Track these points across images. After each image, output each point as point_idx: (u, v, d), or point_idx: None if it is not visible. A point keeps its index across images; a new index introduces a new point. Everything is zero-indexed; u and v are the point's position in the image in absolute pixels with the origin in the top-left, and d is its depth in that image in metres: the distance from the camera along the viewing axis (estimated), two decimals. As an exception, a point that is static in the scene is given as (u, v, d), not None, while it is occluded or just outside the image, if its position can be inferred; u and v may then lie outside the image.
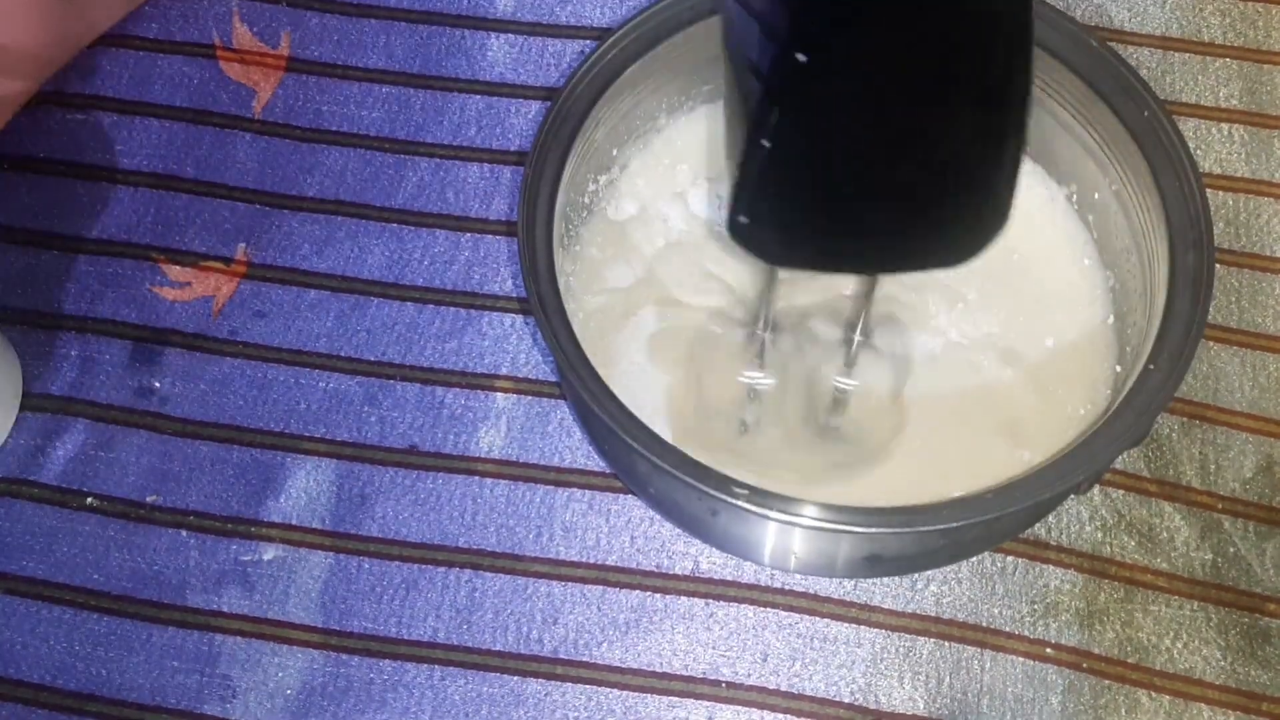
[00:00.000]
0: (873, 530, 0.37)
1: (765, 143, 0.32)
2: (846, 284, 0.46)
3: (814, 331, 0.44)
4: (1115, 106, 0.43)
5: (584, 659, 0.43)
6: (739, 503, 0.37)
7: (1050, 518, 0.45)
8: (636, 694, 0.42)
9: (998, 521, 0.41)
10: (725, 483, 0.37)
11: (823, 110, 0.31)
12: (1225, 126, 0.52)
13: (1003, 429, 0.44)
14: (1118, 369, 0.45)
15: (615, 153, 0.48)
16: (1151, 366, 0.39)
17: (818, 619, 0.43)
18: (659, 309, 0.47)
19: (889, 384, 0.45)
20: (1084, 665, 0.43)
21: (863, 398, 0.44)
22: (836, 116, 0.31)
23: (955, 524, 0.37)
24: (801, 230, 0.34)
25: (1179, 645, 0.43)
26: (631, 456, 0.42)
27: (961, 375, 0.45)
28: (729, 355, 0.45)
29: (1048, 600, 0.43)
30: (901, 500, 0.38)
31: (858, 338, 0.44)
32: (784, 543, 0.43)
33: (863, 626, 0.43)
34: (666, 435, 0.39)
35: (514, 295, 0.49)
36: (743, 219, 0.34)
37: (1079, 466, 0.38)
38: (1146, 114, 0.43)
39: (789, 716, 0.42)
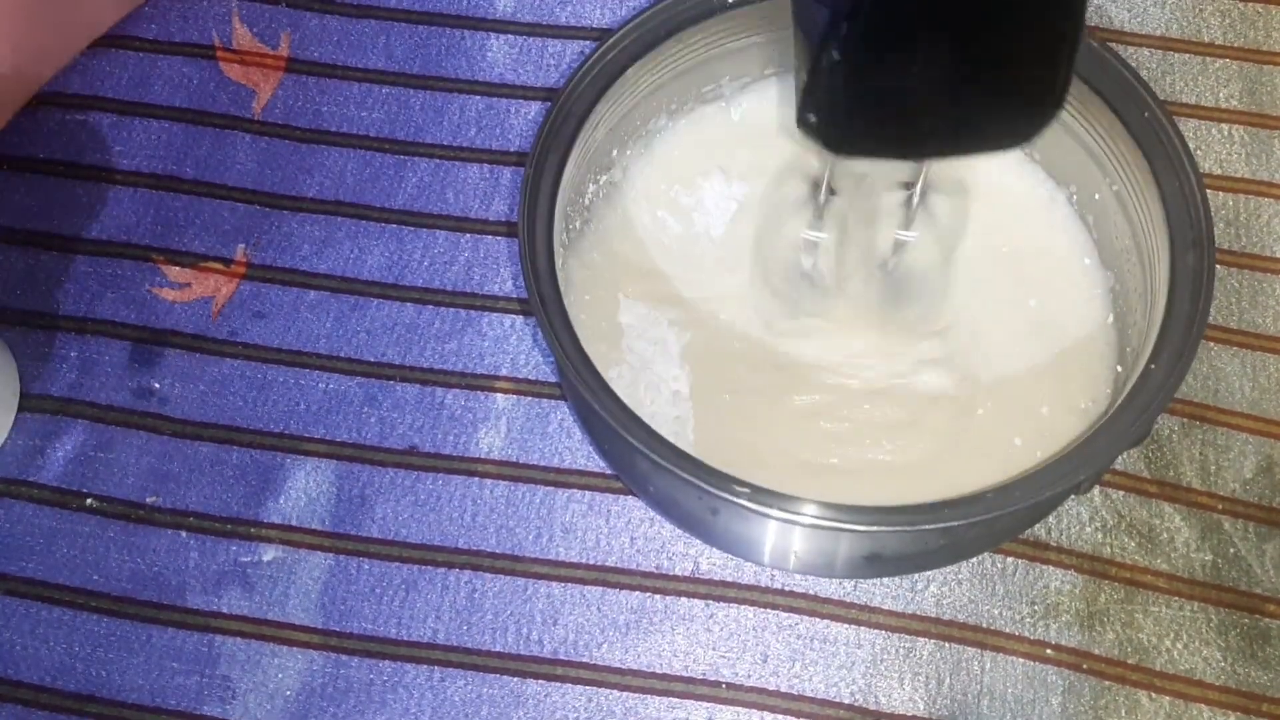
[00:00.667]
0: (872, 529, 0.37)
1: (835, 54, 0.34)
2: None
3: (872, 192, 0.46)
4: (1115, 107, 0.43)
5: (584, 660, 0.43)
6: (739, 501, 0.37)
7: (1050, 518, 0.45)
8: (636, 695, 0.42)
9: (997, 521, 0.41)
10: (725, 481, 0.37)
11: (888, 20, 0.33)
12: (1225, 127, 0.52)
13: (1002, 428, 0.44)
14: (1118, 369, 0.45)
15: (615, 153, 0.48)
16: (1152, 366, 0.39)
17: (818, 620, 0.43)
18: (660, 309, 0.47)
19: (943, 242, 0.46)
20: (1084, 666, 0.42)
21: (916, 264, 0.46)
22: (900, 22, 0.34)
23: (954, 523, 0.37)
24: (866, 124, 0.37)
25: (1179, 646, 0.43)
26: (631, 455, 0.42)
27: (961, 375, 0.45)
28: (790, 214, 0.46)
29: (1048, 601, 0.43)
30: (899, 500, 0.38)
31: (916, 197, 0.45)
32: (784, 542, 0.43)
33: (863, 627, 0.43)
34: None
35: (514, 296, 0.49)
36: (811, 116, 0.36)
37: (1079, 466, 0.38)
38: (1146, 115, 0.43)
39: (789, 717, 0.42)
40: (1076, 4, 0.34)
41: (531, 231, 0.41)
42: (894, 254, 0.46)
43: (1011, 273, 0.47)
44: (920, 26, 0.34)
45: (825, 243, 0.46)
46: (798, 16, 0.36)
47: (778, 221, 0.47)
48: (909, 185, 0.45)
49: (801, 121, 0.37)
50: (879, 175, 0.46)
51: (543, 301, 0.40)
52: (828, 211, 0.46)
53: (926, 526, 0.37)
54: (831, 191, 0.45)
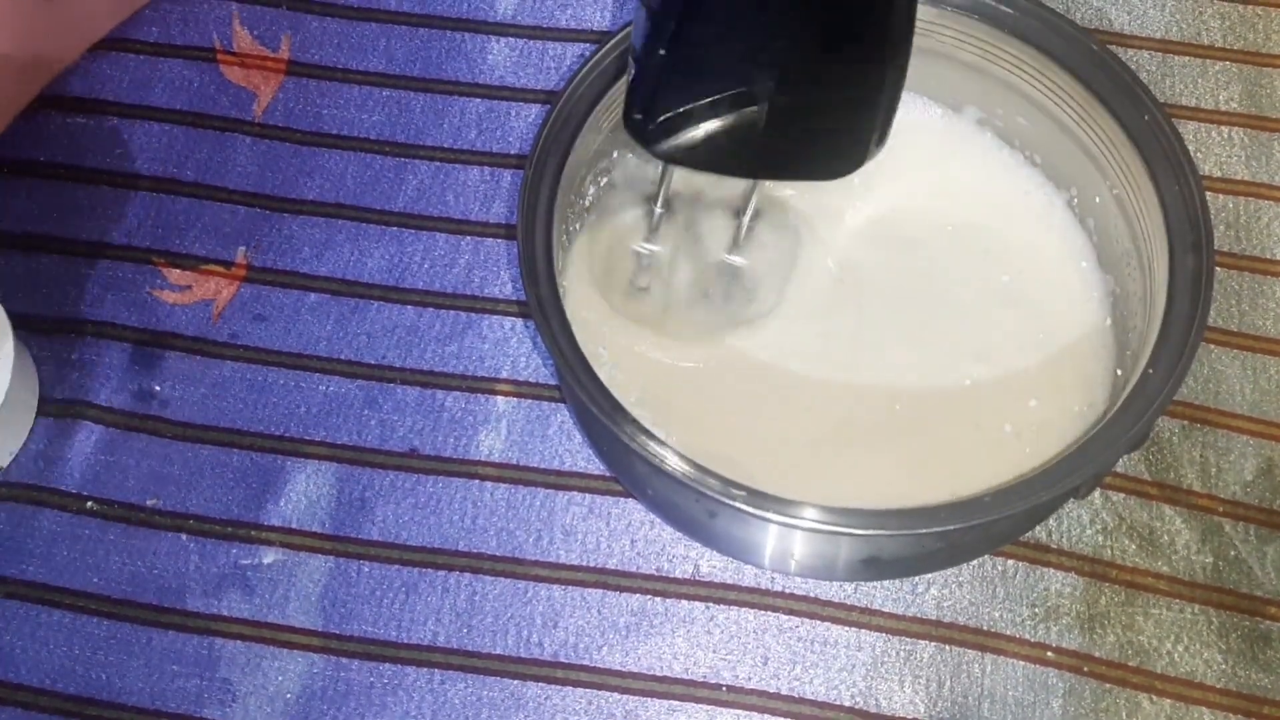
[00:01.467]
0: (869, 532, 0.37)
1: (661, 51, 0.35)
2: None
3: (706, 211, 0.47)
4: (1115, 110, 0.44)
5: (584, 663, 0.43)
6: (736, 504, 0.37)
7: (1051, 521, 0.45)
8: (637, 698, 0.42)
9: (996, 524, 0.41)
10: (723, 485, 0.37)
11: (714, 26, 0.34)
12: (1225, 129, 0.52)
13: (1001, 432, 0.44)
14: (1118, 372, 0.45)
15: (615, 155, 0.48)
16: (1151, 370, 0.39)
17: (818, 622, 0.43)
18: (659, 308, 0.47)
19: (773, 266, 0.46)
20: (1085, 669, 0.42)
21: (750, 272, 0.47)
22: (726, 31, 0.34)
23: (952, 526, 0.37)
24: (686, 131, 0.38)
25: (1180, 649, 0.43)
26: (630, 458, 0.42)
27: (961, 378, 0.45)
28: (626, 227, 0.47)
29: (1049, 604, 0.43)
30: (898, 502, 0.38)
31: (745, 220, 0.45)
32: (783, 545, 0.43)
33: (863, 630, 0.43)
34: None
35: (514, 298, 0.49)
36: (636, 115, 0.37)
37: (1077, 470, 0.38)
38: (1147, 118, 0.43)
39: (789, 720, 0.42)
40: (898, 53, 0.35)
41: (530, 234, 0.41)
42: (723, 278, 0.46)
43: (1009, 276, 0.47)
44: (743, 31, 0.34)
45: (657, 256, 0.46)
46: (637, 14, 0.37)
47: (616, 235, 0.47)
48: (739, 211, 0.45)
49: (626, 118, 0.38)
50: (712, 195, 0.47)
51: (541, 304, 0.40)
52: (664, 227, 0.46)
53: (924, 530, 0.37)
54: (667, 207, 0.46)
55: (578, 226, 0.47)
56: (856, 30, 0.35)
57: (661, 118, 0.37)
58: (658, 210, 0.45)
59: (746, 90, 0.36)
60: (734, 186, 0.46)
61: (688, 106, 0.37)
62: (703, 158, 0.39)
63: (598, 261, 0.46)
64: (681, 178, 0.46)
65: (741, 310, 0.46)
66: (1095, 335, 0.46)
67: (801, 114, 0.37)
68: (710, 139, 0.38)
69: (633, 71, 0.37)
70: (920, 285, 0.47)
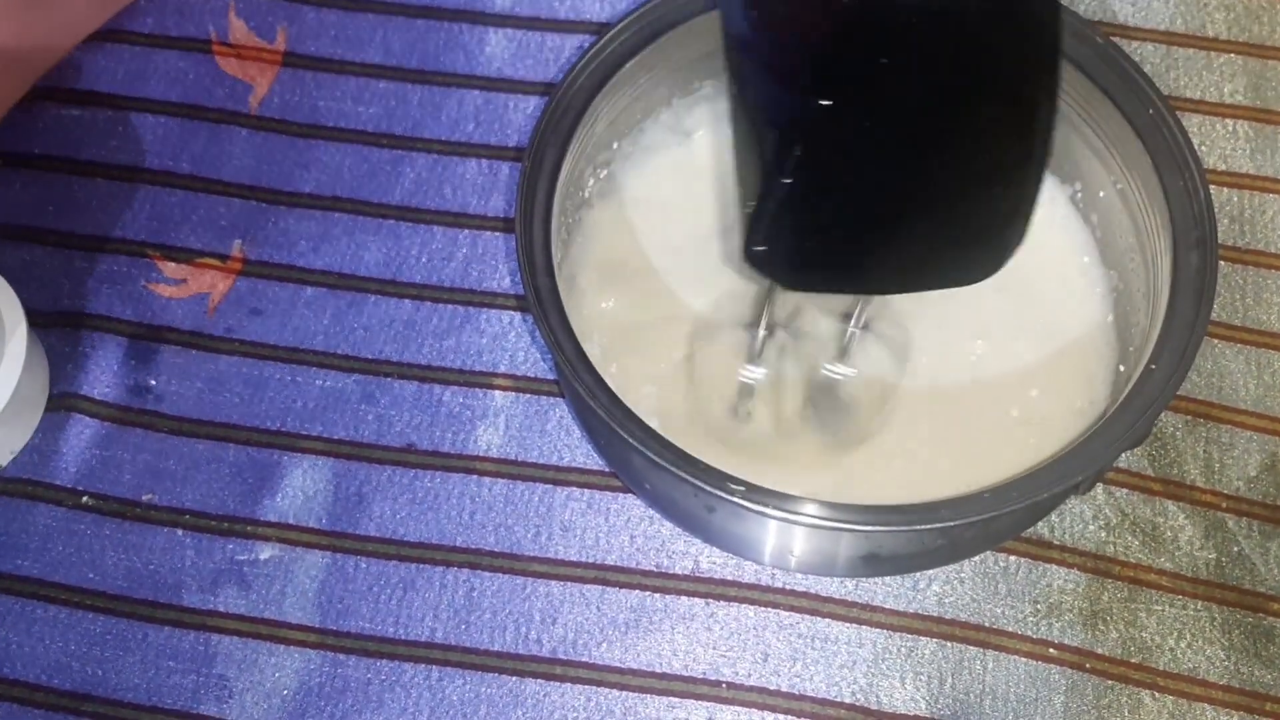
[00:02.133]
0: (868, 528, 0.37)
1: (784, 180, 0.32)
2: None
3: (807, 327, 0.45)
4: (1120, 104, 0.43)
5: (583, 659, 0.43)
6: (734, 499, 0.37)
7: (1054, 517, 0.44)
8: (636, 694, 0.42)
9: (996, 521, 0.41)
10: (720, 479, 0.37)
11: (841, 148, 0.31)
12: (1230, 122, 0.52)
13: (1002, 428, 0.44)
14: (1120, 369, 0.44)
15: (616, 146, 0.48)
16: (1153, 367, 0.39)
17: (819, 619, 0.43)
18: (658, 304, 0.46)
19: (884, 373, 0.44)
20: (1087, 665, 0.42)
21: (856, 386, 0.44)
22: (854, 153, 0.31)
23: (952, 523, 0.37)
24: (818, 256, 0.35)
25: (1183, 645, 0.43)
26: (628, 452, 0.42)
27: (962, 373, 0.45)
28: (727, 350, 0.45)
29: (1051, 600, 0.43)
30: (900, 498, 0.38)
31: (853, 329, 0.43)
32: (782, 541, 0.42)
33: (864, 626, 0.43)
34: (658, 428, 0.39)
35: (512, 292, 0.49)
36: (759, 248, 0.34)
37: (1077, 467, 0.38)
38: (1151, 112, 0.43)
39: (790, 717, 0.42)
40: (1040, 138, 0.32)
41: (529, 226, 0.41)
42: (825, 393, 0.44)
43: (1011, 271, 0.47)
44: (873, 151, 0.31)
45: (761, 382, 0.44)
46: (739, 133, 0.34)
47: (714, 359, 0.45)
48: (846, 317, 0.43)
49: (748, 254, 0.35)
50: (816, 307, 0.44)
51: (539, 296, 0.40)
52: (766, 347, 0.44)
53: (923, 526, 0.37)
54: (769, 330, 0.43)
55: (578, 219, 0.47)
56: (1001, 128, 0.32)
57: (789, 245, 0.34)
58: (761, 333, 0.43)
59: (876, 200, 0.33)
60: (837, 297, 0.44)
61: (815, 229, 0.34)
62: (836, 280, 0.36)
63: (695, 387, 0.44)
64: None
65: (846, 430, 0.43)
66: (1097, 331, 0.46)
67: (936, 217, 0.34)
68: (842, 258, 0.35)
69: (750, 200, 0.34)
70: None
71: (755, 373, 0.44)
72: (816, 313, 0.44)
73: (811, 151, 0.31)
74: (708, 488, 0.37)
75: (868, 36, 0.30)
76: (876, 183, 0.32)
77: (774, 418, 0.44)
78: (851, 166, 0.32)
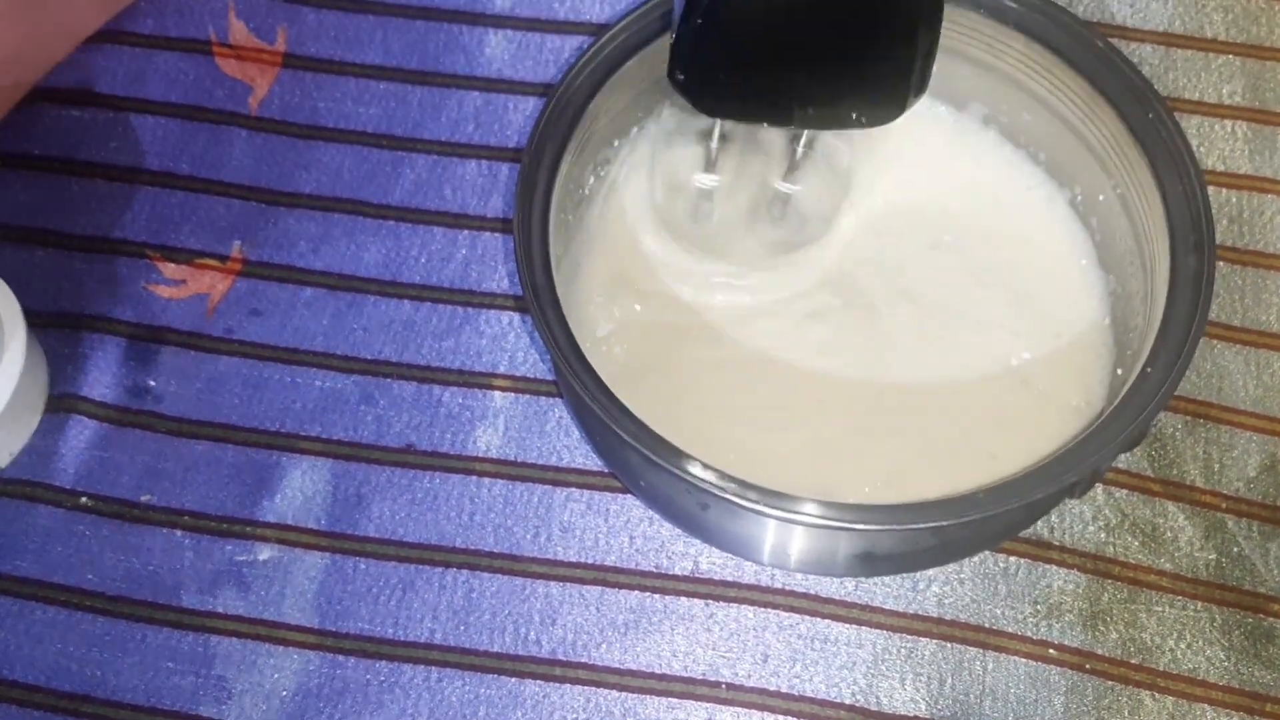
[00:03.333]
0: (859, 527, 0.37)
1: (701, 13, 0.37)
2: None
3: (760, 140, 0.48)
4: (1119, 107, 0.43)
5: (582, 660, 0.43)
6: (727, 496, 0.37)
7: (1053, 518, 0.44)
8: (635, 695, 0.42)
9: (992, 521, 0.41)
10: (714, 476, 0.37)
11: None
12: (1228, 123, 0.52)
13: (1000, 429, 0.44)
14: (1118, 371, 0.44)
15: (616, 144, 0.48)
16: (1149, 369, 0.39)
17: (818, 620, 0.43)
18: (658, 304, 0.46)
19: (828, 191, 0.48)
20: (1087, 666, 0.42)
21: (803, 202, 0.48)
22: None
23: (945, 523, 0.37)
24: (730, 85, 0.40)
25: (1183, 646, 0.43)
26: (625, 451, 0.42)
27: (960, 374, 0.45)
28: (686, 156, 0.48)
29: (1051, 601, 0.43)
30: (895, 497, 0.38)
31: (800, 148, 0.46)
32: (779, 540, 0.42)
33: (864, 627, 0.43)
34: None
35: (511, 293, 0.49)
36: (679, 74, 0.39)
37: (1073, 468, 0.38)
38: (1151, 115, 0.43)
39: (789, 718, 0.42)
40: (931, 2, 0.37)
41: (527, 226, 0.41)
42: (777, 203, 0.48)
43: (1010, 273, 0.47)
44: None
45: (718, 188, 0.48)
46: None
47: (674, 168, 0.48)
48: (794, 139, 0.46)
49: (671, 77, 0.39)
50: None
51: (537, 297, 0.40)
52: (721, 157, 0.47)
53: (917, 526, 0.37)
54: (723, 138, 0.46)
55: (576, 218, 0.47)
56: None
57: (704, 75, 0.39)
58: (713, 144, 0.46)
59: (786, 43, 0.38)
60: None
61: (729, 63, 0.38)
62: (747, 110, 0.41)
63: (657, 192, 0.48)
64: None
65: (794, 236, 0.47)
66: (1096, 333, 0.46)
67: (841, 64, 0.39)
68: (753, 92, 0.39)
69: (674, 31, 0.39)
70: (921, 281, 0.47)
71: (710, 180, 0.48)
72: (769, 133, 0.48)
73: None
74: (701, 485, 0.37)
75: None
76: (779, 21, 0.37)
77: (728, 218, 0.48)
78: (763, 5, 0.37)
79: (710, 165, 0.47)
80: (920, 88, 0.40)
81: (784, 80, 0.39)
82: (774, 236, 0.47)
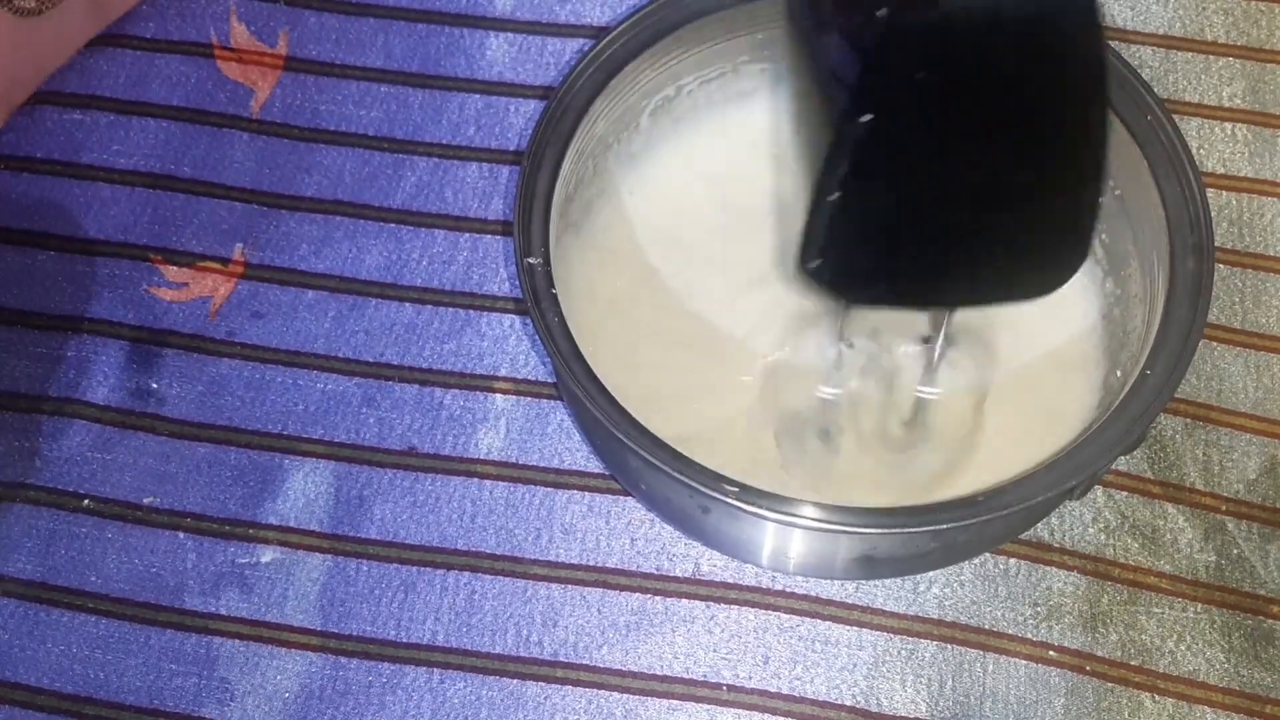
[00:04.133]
0: (859, 530, 0.37)
1: (833, 195, 0.31)
2: None
3: (888, 344, 0.43)
4: (1118, 110, 0.43)
5: (584, 662, 0.43)
6: (728, 500, 0.37)
7: (1053, 520, 0.44)
8: (637, 697, 0.42)
9: (991, 524, 0.41)
10: (714, 479, 0.37)
11: (891, 162, 0.31)
12: (1228, 126, 0.52)
13: (998, 431, 0.44)
14: (1116, 374, 0.44)
15: (616, 148, 0.48)
16: (1148, 372, 0.39)
17: (819, 621, 0.43)
18: (658, 306, 0.46)
19: (969, 390, 0.43)
20: (1087, 668, 0.42)
21: (939, 407, 0.43)
22: (906, 166, 0.31)
23: (945, 526, 0.37)
24: (875, 270, 0.34)
25: (1182, 648, 0.43)
26: (623, 453, 0.42)
27: (956, 375, 0.45)
28: (805, 372, 0.43)
29: (1051, 602, 0.43)
30: (894, 501, 0.38)
31: (939, 346, 0.42)
32: (779, 543, 0.42)
33: (864, 629, 0.43)
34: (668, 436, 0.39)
35: (512, 296, 0.49)
36: (814, 262, 0.33)
37: (1071, 472, 0.38)
38: (1149, 118, 0.43)
39: (790, 719, 0.42)
40: (1099, 145, 0.31)
41: (528, 229, 0.41)
42: (915, 413, 0.43)
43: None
44: (925, 161, 0.31)
45: (841, 400, 0.43)
46: (800, 142, 0.33)
47: (795, 378, 0.44)
48: (929, 339, 0.42)
49: (803, 268, 0.34)
50: (896, 327, 0.43)
51: (538, 299, 0.40)
52: (845, 366, 0.43)
53: (917, 529, 0.37)
54: (849, 345, 0.42)
55: (576, 221, 0.47)
56: (1050, 144, 0.31)
57: (845, 257, 0.33)
58: (842, 348, 0.42)
59: (934, 222, 0.33)
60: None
61: (872, 247, 0.33)
62: (897, 293, 0.35)
63: (770, 406, 0.43)
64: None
65: (918, 457, 0.43)
66: (1094, 335, 0.46)
67: (998, 229, 0.33)
68: (902, 271, 0.34)
69: (806, 218, 0.33)
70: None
71: (834, 391, 0.43)
72: (894, 333, 0.43)
73: (859, 166, 0.31)
74: (703, 488, 0.37)
75: (913, 47, 0.29)
76: (928, 198, 0.32)
77: (858, 441, 0.43)
78: (901, 181, 0.32)
79: (835, 374, 0.43)
80: (1087, 246, 0.34)
81: (934, 253, 0.34)
82: (910, 465, 0.42)
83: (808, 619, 0.43)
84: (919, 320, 0.43)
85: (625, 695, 0.42)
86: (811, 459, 0.43)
